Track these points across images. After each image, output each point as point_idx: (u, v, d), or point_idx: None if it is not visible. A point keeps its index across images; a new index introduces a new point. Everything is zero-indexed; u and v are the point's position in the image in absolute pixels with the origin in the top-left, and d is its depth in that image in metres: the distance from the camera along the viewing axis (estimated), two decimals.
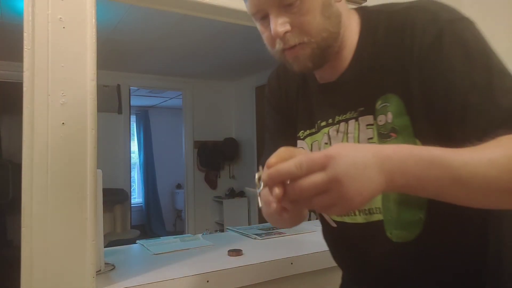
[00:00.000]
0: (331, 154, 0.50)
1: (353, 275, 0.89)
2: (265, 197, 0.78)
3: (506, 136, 0.53)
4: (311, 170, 0.50)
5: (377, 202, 0.72)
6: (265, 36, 0.71)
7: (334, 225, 0.82)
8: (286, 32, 0.66)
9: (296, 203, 0.53)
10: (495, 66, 0.60)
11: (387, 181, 0.51)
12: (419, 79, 0.64)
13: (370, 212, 0.73)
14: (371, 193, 0.51)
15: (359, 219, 0.75)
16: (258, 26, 0.72)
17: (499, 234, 0.72)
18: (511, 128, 0.54)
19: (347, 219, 0.78)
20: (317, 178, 0.49)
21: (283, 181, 0.51)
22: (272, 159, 0.53)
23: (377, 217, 0.72)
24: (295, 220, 0.77)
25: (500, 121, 0.56)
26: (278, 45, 0.68)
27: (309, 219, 2.90)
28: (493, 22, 1.94)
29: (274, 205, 0.54)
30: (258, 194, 0.55)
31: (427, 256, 0.71)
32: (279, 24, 0.65)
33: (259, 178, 0.53)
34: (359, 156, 0.51)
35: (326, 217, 0.83)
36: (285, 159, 0.52)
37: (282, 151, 0.54)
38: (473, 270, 0.71)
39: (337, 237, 0.85)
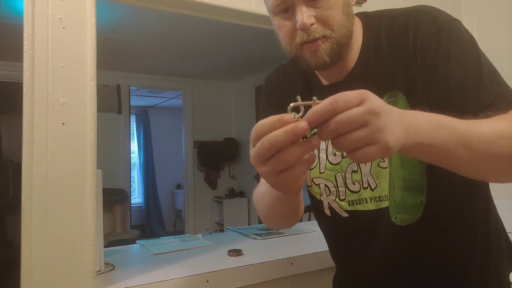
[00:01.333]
0: (365, 91, 0.50)
1: (353, 268, 0.90)
2: (267, 196, 0.79)
3: (498, 116, 0.61)
4: (348, 105, 0.48)
5: (385, 190, 0.79)
6: (284, 30, 0.74)
7: (346, 215, 0.85)
8: (311, 24, 0.70)
9: (335, 144, 0.51)
10: (483, 59, 0.70)
11: (405, 133, 0.53)
12: (421, 69, 0.72)
13: (380, 199, 0.79)
14: (398, 137, 0.51)
15: (370, 206, 0.81)
16: (277, 20, 0.75)
17: (486, 220, 0.82)
18: (497, 110, 0.63)
19: (359, 207, 0.82)
20: (354, 111, 0.48)
21: (321, 122, 0.49)
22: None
23: (385, 204, 0.79)
24: (293, 211, 0.84)
25: (488, 104, 0.65)
26: (300, 38, 0.72)
27: (309, 219, 2.91)
28: (493, 22, 1.95)
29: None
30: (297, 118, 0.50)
31: (427, 237, 0.78)
32: (307, 16, 0.69)
33: (292, 110, 0.51)
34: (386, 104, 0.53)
35: (337, 208, 0.86)
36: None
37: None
38: (467, 251, 0.80)
39: (343, 228, 0.87)
